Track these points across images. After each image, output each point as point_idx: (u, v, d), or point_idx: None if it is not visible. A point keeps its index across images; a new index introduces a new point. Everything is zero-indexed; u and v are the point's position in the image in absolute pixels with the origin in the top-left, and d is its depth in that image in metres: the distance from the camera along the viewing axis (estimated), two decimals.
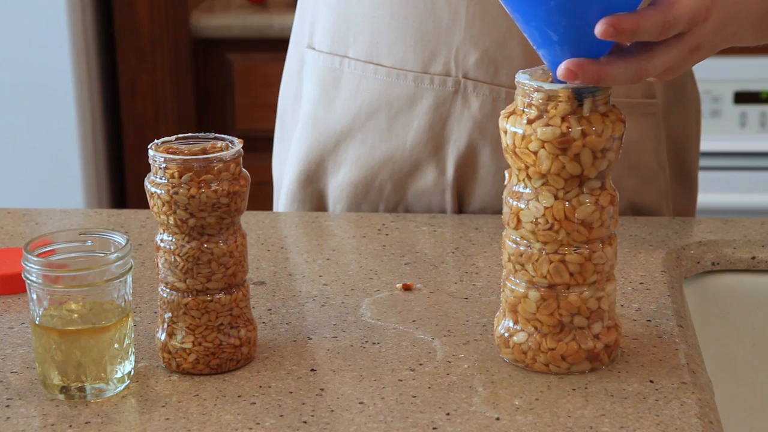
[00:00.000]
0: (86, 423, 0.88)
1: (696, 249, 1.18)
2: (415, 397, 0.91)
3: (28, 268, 0.91)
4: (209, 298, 0.94)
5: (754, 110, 2.59)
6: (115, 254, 0.91)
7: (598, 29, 0.87)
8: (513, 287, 0.94)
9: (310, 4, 1.34)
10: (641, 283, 1.10)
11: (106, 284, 0.91)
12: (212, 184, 0.91)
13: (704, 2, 0.92)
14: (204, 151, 0.93)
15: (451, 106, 1.24)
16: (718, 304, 1.18)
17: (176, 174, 0.91)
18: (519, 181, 0.92)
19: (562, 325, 0.93)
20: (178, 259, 0.93)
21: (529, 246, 0.92)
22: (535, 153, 0.89)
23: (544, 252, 0.91)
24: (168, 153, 0.92)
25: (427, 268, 1.14)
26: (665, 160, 1.29)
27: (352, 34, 1.27)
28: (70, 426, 0.88)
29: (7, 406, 0.91)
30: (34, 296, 0.91)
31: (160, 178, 0.92)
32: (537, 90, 0.89)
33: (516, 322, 0.94)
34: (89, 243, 0.94)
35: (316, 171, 1.32)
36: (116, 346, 0.92)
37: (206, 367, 0.94)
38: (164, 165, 0.91)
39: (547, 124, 0.88)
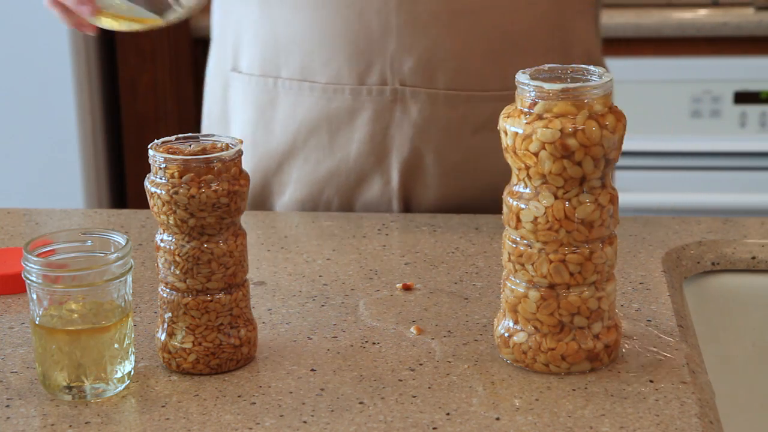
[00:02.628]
0: (86, 423, 0.88)
1: (696, 249, 1.18)
2: (415, 397, 0.91)
3: (28, 268, 0.91)
4: (209, 298, 0.94)
5: (754, 110, 2.59)
6: (115, 254, 0.91)
7: None
8: (513, 287, 0.94)
9: (231, 28, 1.33)
10: (641, 283, 1.10)
11: (106, 284, 0.91)
12: (212, 184, 0.91)
13: None
14: (204, 151, 0.93)
15: (391, 115, 1.25)
16: (718, 304, 1.18)
17: (176, 174, 0.91)
18: (519, 180, 0.92)
19: (562, 325, 0.92)
20: (178, 259, 0.93)
21: (530, 246, 0.92)
22: (536, 154, 0.89)
23: (544, 252, 0.91)
24: (168, 153, 0.92)
25: (427, 268, 1.14)
26: None
27: (283, 56, 1.27)
28: (70, 426, 0.88)
29: (7, 406, 0.91)
30: (34, 296, 0.91)
31: (160, 178, 0.92)
32: (536, 90, 0.89)
33: (516, 322, 0.94)
34: (89, 243, 0.94)
35: (261, 193, 1.32)
36: (116, 346, 0.92)
37: (206, 367, 0.94)
38: (164, 165, 0.91)
39: (547, 126, 0.88)
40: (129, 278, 0.92)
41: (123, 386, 0.93)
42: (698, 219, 1.25)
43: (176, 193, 0.91)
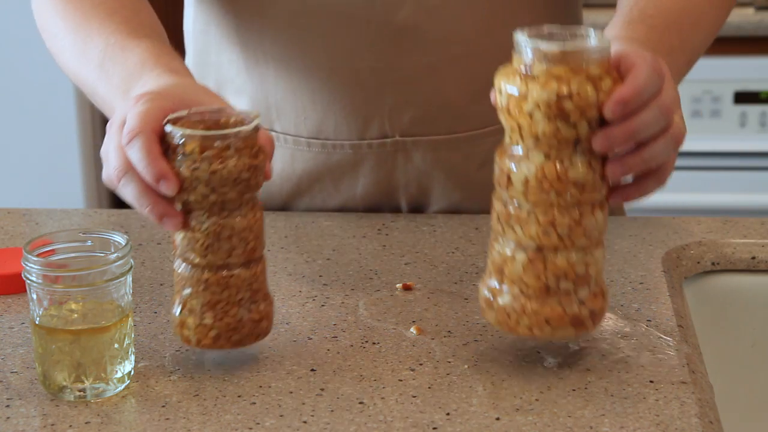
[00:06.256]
0: (86, 423, 0.88)
1: (696, 249, 1.18)
2: (415, 397, 0.91)
3: (28, 268, 0.91)
4: (230, 274, 0.93)
5: (754, 110, 2.59)
6: (115, 254, 0.91)
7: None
8: (500, 249, 0.92)
9: (211, 77, 1.30)
10: (641, 283, 1.10)
11: (106, 284, 0.91)
12: (233, 159, 0.90)
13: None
14: (222, 126, 0.92)
15: (394, 162, 1.25)
16: (718, 304, 1.18)
17: (196, 150, 0.90)
18: (511, 141, 0.90)
19: (547, 288, 0.91)
20: (199, 235, 0.92)
21: (519, 207, 0.91)
22: (530, 115, 0.88)
23: (533, 213, 0.90)
24: (186, 128, 0.91)
25: (427, 268, 1.14)
26: None
27: (274, 112, 1.26)
28: (70, 426, 0.88)
29: (7, 406, 0.91)
30: (34, 296, 0.91)
31: (183, 155, 0.90)
32: (533, 51, 0.88)
33: (501, 283, 0.93)
34: (89, 243, 0.94)
35: None
36: (116, 346, 0.92)
37: (227, 342, 0.93)
38: (182, 140, 0.90)
39: (543, 87, 0.87)
40: (129, 278, 0.92)
41: (123, 386, 0.93)
42: (698, 219, 1.25)
43: (197, 168, 0.90)
